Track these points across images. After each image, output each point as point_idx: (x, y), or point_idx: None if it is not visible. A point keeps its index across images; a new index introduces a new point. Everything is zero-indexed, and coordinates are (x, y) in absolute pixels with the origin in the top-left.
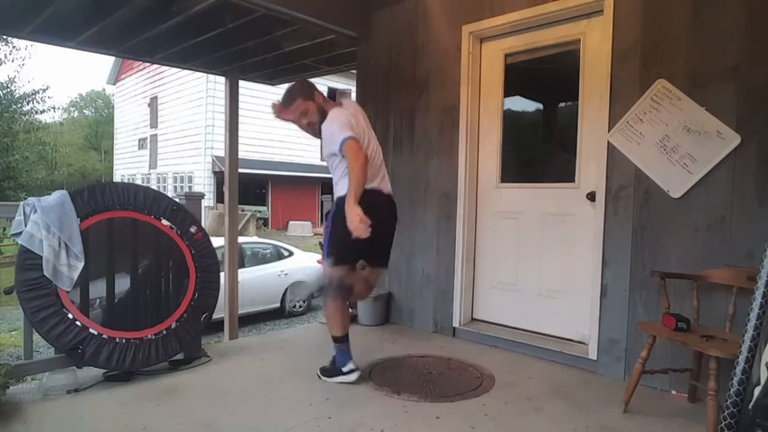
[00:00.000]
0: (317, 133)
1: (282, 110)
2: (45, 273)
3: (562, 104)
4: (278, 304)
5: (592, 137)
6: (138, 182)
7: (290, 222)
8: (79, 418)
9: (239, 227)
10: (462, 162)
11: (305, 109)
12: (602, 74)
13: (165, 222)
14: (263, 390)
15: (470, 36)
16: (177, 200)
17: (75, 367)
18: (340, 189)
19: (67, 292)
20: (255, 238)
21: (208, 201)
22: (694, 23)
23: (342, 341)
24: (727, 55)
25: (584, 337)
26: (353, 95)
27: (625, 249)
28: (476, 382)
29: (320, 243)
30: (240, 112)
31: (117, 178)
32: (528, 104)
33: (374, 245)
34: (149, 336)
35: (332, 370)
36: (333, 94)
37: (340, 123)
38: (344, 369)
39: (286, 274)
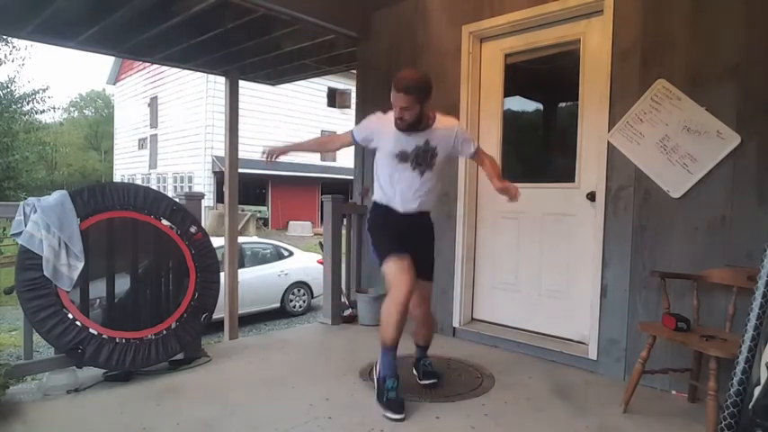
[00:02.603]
0: (404, 125)
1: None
2: (45, 273)
3: (562, 104)
4: (278, 304)
5: (592, 137)
6: (138, 182)
7: (290, 222)
8: (79, 418)
9: (239, 227)
10: (462, 162)
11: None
12: (602, 74)
13: (165, 222)
14: (262, 390)
15: (470, 36)
16: (177, 200)
17: (75, 367)
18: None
19: (67, 292)
20: (255, 238)
21: (208, 201)
22: (694, 23)
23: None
24: (727, 55)
25: (584, 337)
26: (353, 95)
27: (625, 249)
28: (476, 382)
29: (320, 243)
30: (240, 112)
31: (117, 178)
32: (528, 104)
33: (408, 241)
34: (149, 336)
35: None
36: (333, 93)
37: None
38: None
39: (286, 274)
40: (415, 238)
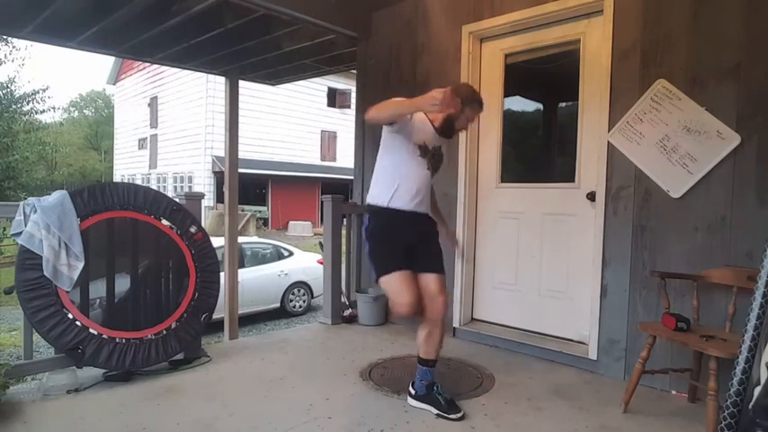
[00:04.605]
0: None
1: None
2: (45, 273)
3: (562, 104)
4: (278, 304)
5: (592, 137)
6: (138, 182)
7: (290, 222)
8: (79, 417)
9: (239, 227)
10: (462, 162)
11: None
12: (602, 74)
13: (165, 222)
14: (263, 390)
15: (470, 36)
16: (177, 200)
17: (75, 367)
18: (374, 194)
19: (67, 292)
20: (255, 238)
21: (208, 201)
22: (694, 23)
23: (424, 364)
24: (727, 55)
25: (584, 337)
26: (353, 95)
27: (625, 249)
28: (476, 382)
29: (320, 243)
30: (240, 112)
31: (117, 178)
32: (528, 104)
33: (412, 250)
34: (149, 336)
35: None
36: (333, 93)
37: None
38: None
39: (286, 274)
40: (418, 240)
